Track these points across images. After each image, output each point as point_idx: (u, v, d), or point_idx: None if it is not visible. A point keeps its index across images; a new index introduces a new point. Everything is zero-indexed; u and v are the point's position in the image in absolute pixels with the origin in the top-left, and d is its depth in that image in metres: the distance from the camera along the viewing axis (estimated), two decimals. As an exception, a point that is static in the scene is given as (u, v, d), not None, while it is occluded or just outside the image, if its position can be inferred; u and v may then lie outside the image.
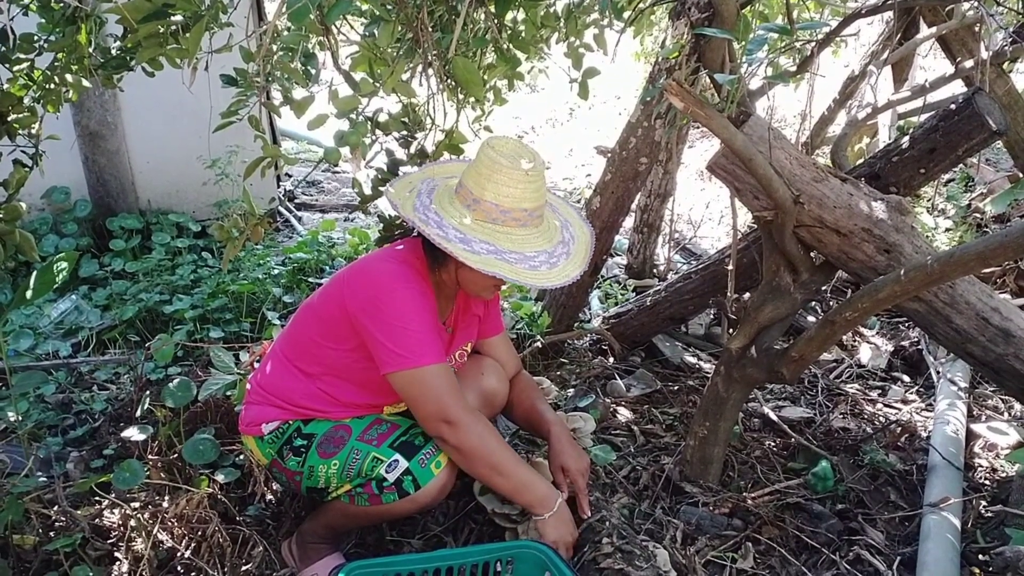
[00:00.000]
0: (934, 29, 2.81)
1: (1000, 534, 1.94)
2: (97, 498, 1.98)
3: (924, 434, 2.51)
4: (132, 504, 1.96)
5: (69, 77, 1.85)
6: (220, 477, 2.02)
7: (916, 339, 3.15)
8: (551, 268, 1.67)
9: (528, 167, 1.64)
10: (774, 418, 2.58)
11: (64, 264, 1.74)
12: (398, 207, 1.72)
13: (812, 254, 1.94)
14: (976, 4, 2.19)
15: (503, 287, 2.00)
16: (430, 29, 1.92)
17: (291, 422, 1.83)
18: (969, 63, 2.67)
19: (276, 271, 3.58)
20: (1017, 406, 2.65)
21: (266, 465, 1.89)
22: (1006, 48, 2.65)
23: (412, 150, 2.22)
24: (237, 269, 3.57)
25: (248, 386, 1.96)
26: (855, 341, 3.29)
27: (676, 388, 2.85)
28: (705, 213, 4.99)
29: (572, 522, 1.78)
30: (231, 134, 2.08)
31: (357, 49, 1.97)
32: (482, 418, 1.73)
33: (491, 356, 2.06)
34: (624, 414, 2.65)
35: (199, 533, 1.89)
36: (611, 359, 3.06)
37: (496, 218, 1.65)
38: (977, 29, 2.76)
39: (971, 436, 2.44)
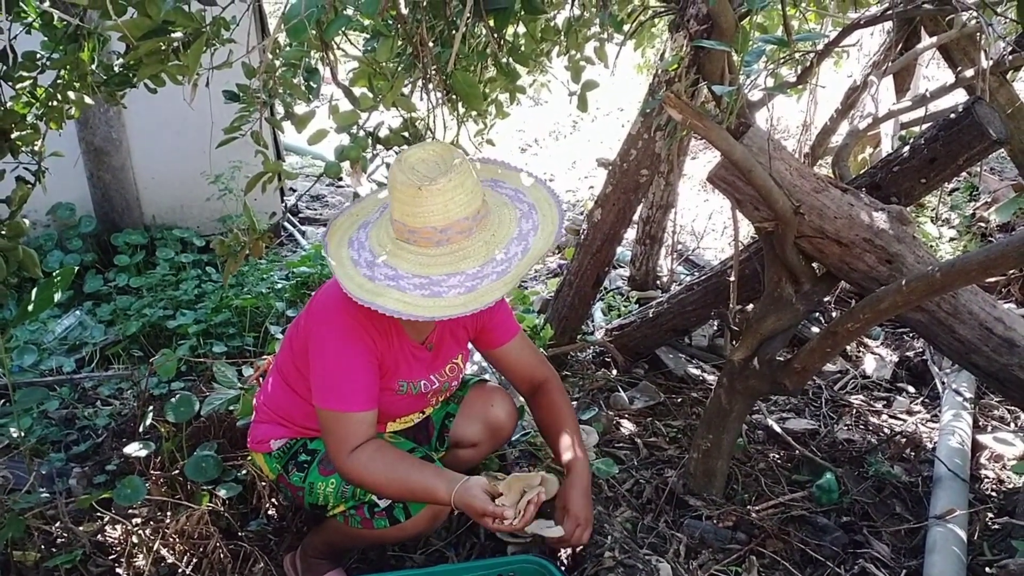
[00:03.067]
0: (935, 38, 2.80)
1: (1007, 546, 1.92)
2: (99, 514, 1.98)
3: (929, 445, 2.49)
4: (134, 520, 1.96)
5: (72, 94, 1.87)
6: (222, 492, 2.02)
7: (921, 349, 3.13)
8: (466, 292, 1.51)
9: (428, 182, 1.48)
10: (778, 430, 2.57)
11: (60, 280, 1.74)
12: (328, 231, 1.68)
13: (814, 265, 1.93)
14: (976, 13, 2.19)
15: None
16: (430, 44, 1.93)
17: (298, 439, 1.84)
18: (970, 72, 2.66)
19: (279, 285, 3.58)
20: (1023, 416, 2.63)
21: (273, 480, 1.89)
22: (1007, 57, 2.65)
23: (413, 164, 2.22)
24: (241, 284, 3.57)
25: (255, 402, 1.96)
26: (859, 352, 3.27)
27: (679, 400, 2.84)
28: (708, 224, 4.98)
29: (476, 491, 1.61)
30: (235, 149, 2.08)
31: (357, 64, 1.98)
32: (368, 448, 1.63)
33: (510, 363, 1.94)
34: (627, 426, 2.64)
35: (200, 549, 1.89)
36: (614, 371, 3.05)
37: (407, 238, 1.55)
38: (978, 38, 2.76)
39: (977, 447, 2.42)
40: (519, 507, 1.59)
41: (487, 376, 2.28)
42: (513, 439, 2.32)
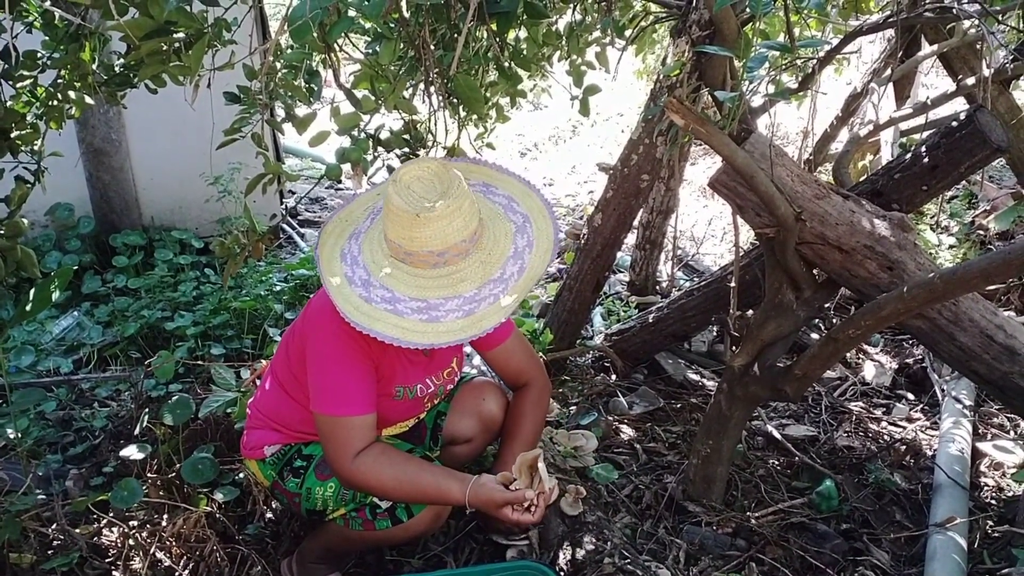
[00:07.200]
0: (936, 47, 2.81)
1: (1007, 554, 1.92)
2: (95, 516, 1.97)
3: (929, 453, 2.49)
4: (130, 523, 1.95)
5: (72, 94, 1.86)
6: (219, 496, 2.01)
7: (920, 357, 3.13)
8: (464, 316, 1.50)
9: (426, 210, 1.45)
10: (778, 436, 2.56)
11: (58, 280, 1.74)
12: (319, 241, 1.64)
13: (815, 271, 1.93)
14: (977, 22, 2.19)
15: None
16: (432, 47, 1.93)
17: (292, 444, 1.83)
18: (971, 80, 2.67)
19: (278, 288, 3.57)
20: (1023, 424, 2.63)
21: (268, 487, 1.88)
22: (1007, 66, 2.65)
23: (414, 167, 2.22)
24: (239, 286, 3.56)
25: (248, 410, 1.94)
26: (859, 359, 3.27)
27: (679, 406, 2.84)
28: (708, 230, 4.98)
29: (490, 485, 1.63)
30: (234, 151, 2.08)
31: (359, 66, 1.98)
32: (372, 451, 1.62)
33: (500, 364, 1.94)
34: (626, 432, 2.63)
35: (197, 552, 1.88)
36: (613, 376, 3.04)
37: (403, 258, 1.52)
38: (979, 47, 2.77)
39: (977, 455, 2.42)
40: (535, 489, 1.60)
41: (475, 372, 2.27)
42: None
